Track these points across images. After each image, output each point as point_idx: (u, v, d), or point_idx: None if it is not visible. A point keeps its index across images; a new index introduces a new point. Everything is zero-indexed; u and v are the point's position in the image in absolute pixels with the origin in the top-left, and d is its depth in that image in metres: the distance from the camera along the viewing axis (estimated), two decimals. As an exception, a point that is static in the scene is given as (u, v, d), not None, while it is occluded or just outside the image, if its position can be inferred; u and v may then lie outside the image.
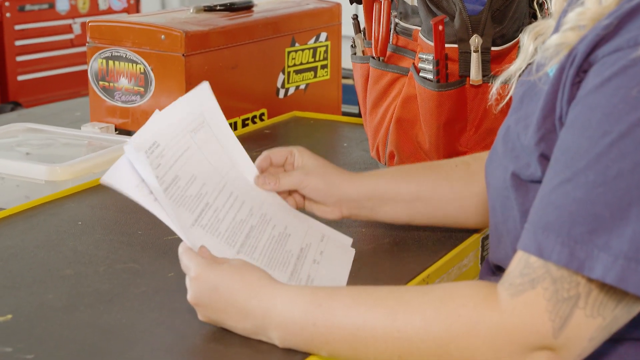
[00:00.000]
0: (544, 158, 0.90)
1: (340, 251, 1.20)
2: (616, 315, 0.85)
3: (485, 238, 1.29)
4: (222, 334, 1.00)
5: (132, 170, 1.04)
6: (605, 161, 0.82)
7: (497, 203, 0.99)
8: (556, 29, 0.97)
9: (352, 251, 1.21)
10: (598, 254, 0.82)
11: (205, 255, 1.02)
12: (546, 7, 1.48)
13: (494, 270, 1.05)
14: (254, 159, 1.24)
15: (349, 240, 1.23)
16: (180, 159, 1.12)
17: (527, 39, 1.03)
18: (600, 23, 0.86)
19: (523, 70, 1.03)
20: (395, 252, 1.24)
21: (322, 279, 1.12)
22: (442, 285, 0.94)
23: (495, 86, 1.10)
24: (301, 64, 2.05)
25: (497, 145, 1.00)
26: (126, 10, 4.45)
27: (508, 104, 1.07)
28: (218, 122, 1.20)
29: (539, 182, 0.90)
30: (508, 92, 1.08)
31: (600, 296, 0.84)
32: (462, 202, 1.22)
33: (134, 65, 1.80)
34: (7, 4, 3.93)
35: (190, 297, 1.00)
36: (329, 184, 1.23)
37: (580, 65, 0.87)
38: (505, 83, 1.06)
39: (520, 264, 0.87)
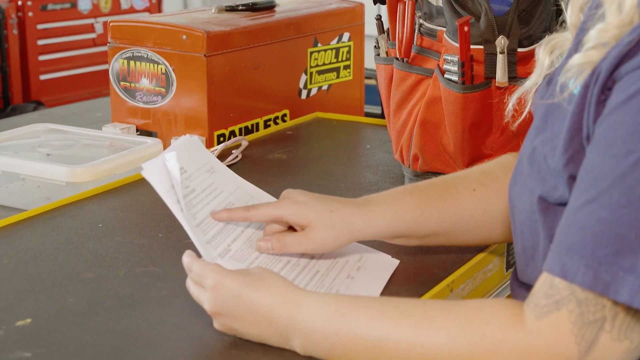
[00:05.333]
0: (573, 180, 0.88)
1: (381, 265, 1.17)
2: None
3: (511, 243, 1.27)
4: (244, 340, 0.99)
5: (166, 173, 1.04)
6: (629, 180, 0.80)
7: (525, 227, 0.97)
8: (575, 46, 0.95)
9: (396, 263, 1.18)
10: (624, 277, 0.80)
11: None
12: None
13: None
14: (276, 161, 1.22)
15: (395, 262, 1.18)
16: (205, 190, 1.12)
17: (542, 53, 1.01)
18: (623, 40, 0.85)
19: (539, 85, 1.02)
20: (419, 257, 1.22)
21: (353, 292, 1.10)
22: (468, 302, 0.93)
23: (511, 102, 1.08)
24: (324, 64, 2.04)
25: (522, 166, 0.97)
26: (148, 10, 4.45)
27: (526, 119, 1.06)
28: (224, 170, 1.19)
29: None
30: (525, 107, 1.06)
31: (627, 319, 0.82)
32: (481, 228, 1.18)
33: (156, 65, 1.79)
34: (29, 3, 3.94)
35: (209, 306, 0.98)
36: (339, 231, 1.10)
37: (604, 83, 0.85)
38: (527, 89, 1.04)
39: (545, 285, 0.86)
